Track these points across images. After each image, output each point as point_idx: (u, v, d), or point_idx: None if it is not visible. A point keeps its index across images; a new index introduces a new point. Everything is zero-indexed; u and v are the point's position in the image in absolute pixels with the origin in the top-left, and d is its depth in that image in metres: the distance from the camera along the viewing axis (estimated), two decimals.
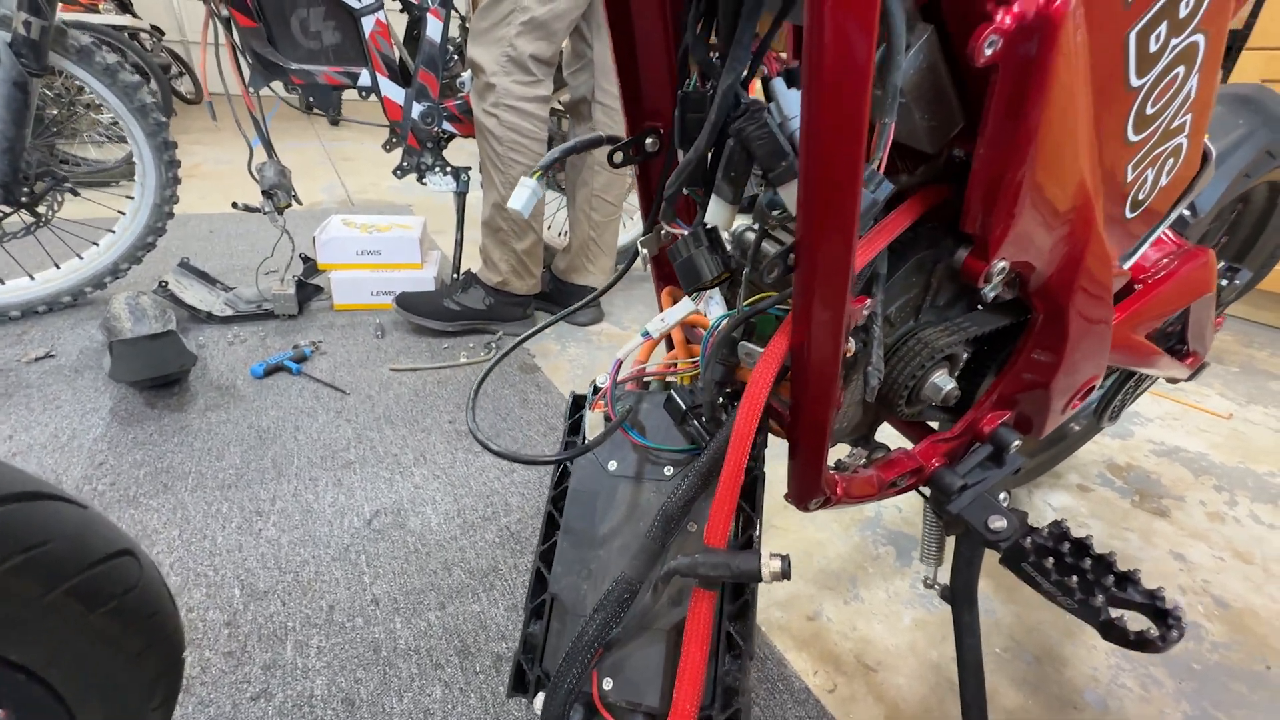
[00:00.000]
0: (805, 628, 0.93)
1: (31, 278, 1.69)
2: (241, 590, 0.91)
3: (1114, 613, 0.50)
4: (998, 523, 0.57)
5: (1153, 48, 0.39)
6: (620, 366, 0.49)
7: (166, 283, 1.69)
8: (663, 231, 0.53)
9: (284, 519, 1.05)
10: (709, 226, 0.41)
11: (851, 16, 0.25)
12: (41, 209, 1.61)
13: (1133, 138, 0.45)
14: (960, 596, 0.68)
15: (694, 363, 0.51)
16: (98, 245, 1.77)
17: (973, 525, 0.58)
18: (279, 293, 1.74)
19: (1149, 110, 0.44)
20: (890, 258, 0.48)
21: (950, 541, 0.69)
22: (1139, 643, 0.48)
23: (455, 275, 1.90)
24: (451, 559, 0.99)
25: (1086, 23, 0.34)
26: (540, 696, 0.45)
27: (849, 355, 0.45)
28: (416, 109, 1.71)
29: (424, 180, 1.83)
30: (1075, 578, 0.51)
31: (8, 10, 1.32)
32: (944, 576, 0.72)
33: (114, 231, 1.77)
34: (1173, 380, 0.97)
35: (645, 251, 0.51)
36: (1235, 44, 1.96)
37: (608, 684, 0.42)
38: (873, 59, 0.26)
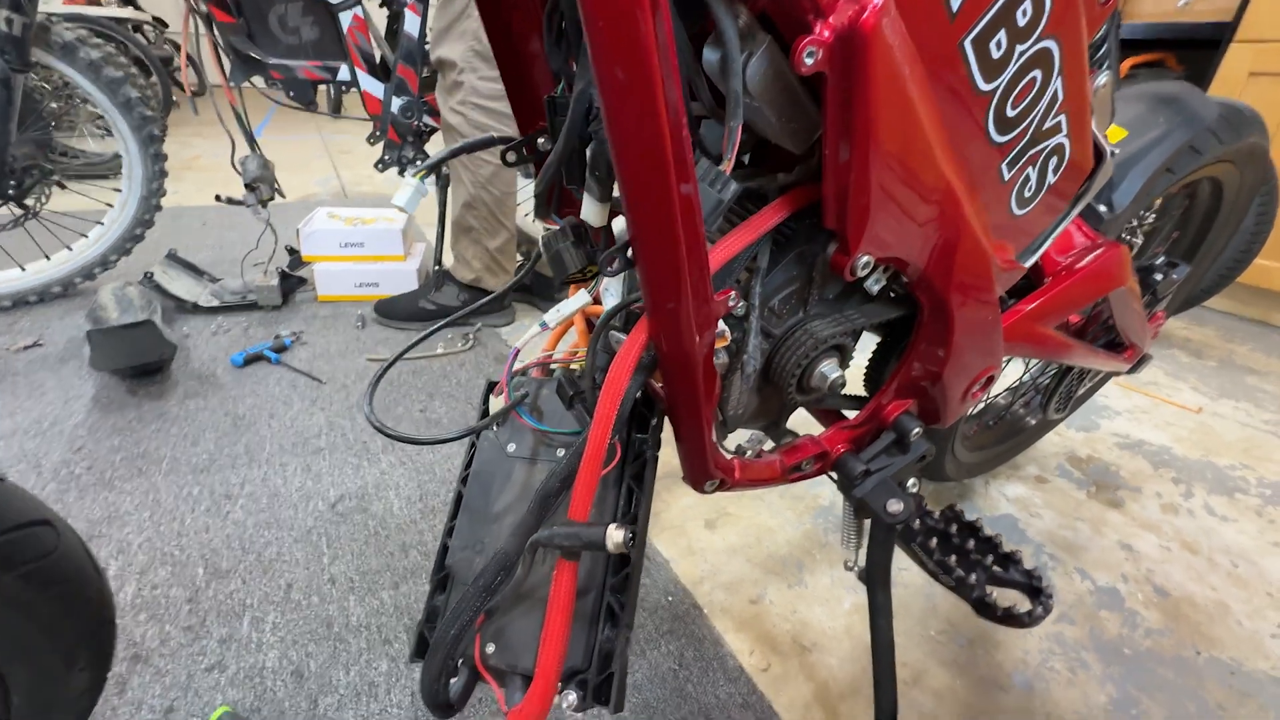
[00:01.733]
0: (747, 610, 0.96)
1: (22, 269, 1.74)
2: (205, 569, 0.95)
3: (987, 591, 0.52)
4: (895, 505, 0.59)
5: (995, 55, 0.41)
6: (517, 355, 0.52)
7: (152, 274, 1.73)
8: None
9: (251, 502, 1.09)
10: (577, 223, 0.43)
11: (620, 28, 0.27)
12: (30, 201, 1.65)
13: (998, 138, 0.47)
14: (874, 578, 0.71)
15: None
16: (86, 237, 1.81)
17: (873, 508, 0.61)
18: (262, 284, 1.78)
19: (1009, 113, 0.46)
20: (773, 251, 0.50)
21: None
22: (1006, 618, 0.51)
23: (437, 267, 1.93)
24: (409, 541, 1.03)
25: (910, 32, 0.36)
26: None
27: (727, 345, 0.48)
28: (396, 103, 1.74)
29: (404, 175, 1.86)
30: (955, 557, 0.54)
31: None
32: (863, 562, 0.75)
33: (102, 224, 1.81)
34: (1114, 373, 0.99)
35: (541, 252, 0.53)
36: (1223, 36, 1.95)
37: (490, 648, 0.45)
38: (654, 63, 0.29)
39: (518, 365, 0.54)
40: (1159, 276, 0.89)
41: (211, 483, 1.13)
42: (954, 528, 0.57)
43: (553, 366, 0.55)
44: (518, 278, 0.64)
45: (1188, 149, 0.77)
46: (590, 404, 0.47)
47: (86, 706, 0.54)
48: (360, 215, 2.03)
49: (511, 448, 0.52)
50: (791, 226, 0.50)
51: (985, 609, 0.52)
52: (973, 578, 0.52)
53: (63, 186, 1.69)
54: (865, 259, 0.46)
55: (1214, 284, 1.45)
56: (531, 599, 0.46)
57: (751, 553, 1.06)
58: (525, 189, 2.08)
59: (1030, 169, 0.52)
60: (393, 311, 1.78)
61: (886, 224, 0.44)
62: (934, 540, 0.55)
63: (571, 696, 0.44)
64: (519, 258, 1.95)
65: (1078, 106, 0.50)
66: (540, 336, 0.56)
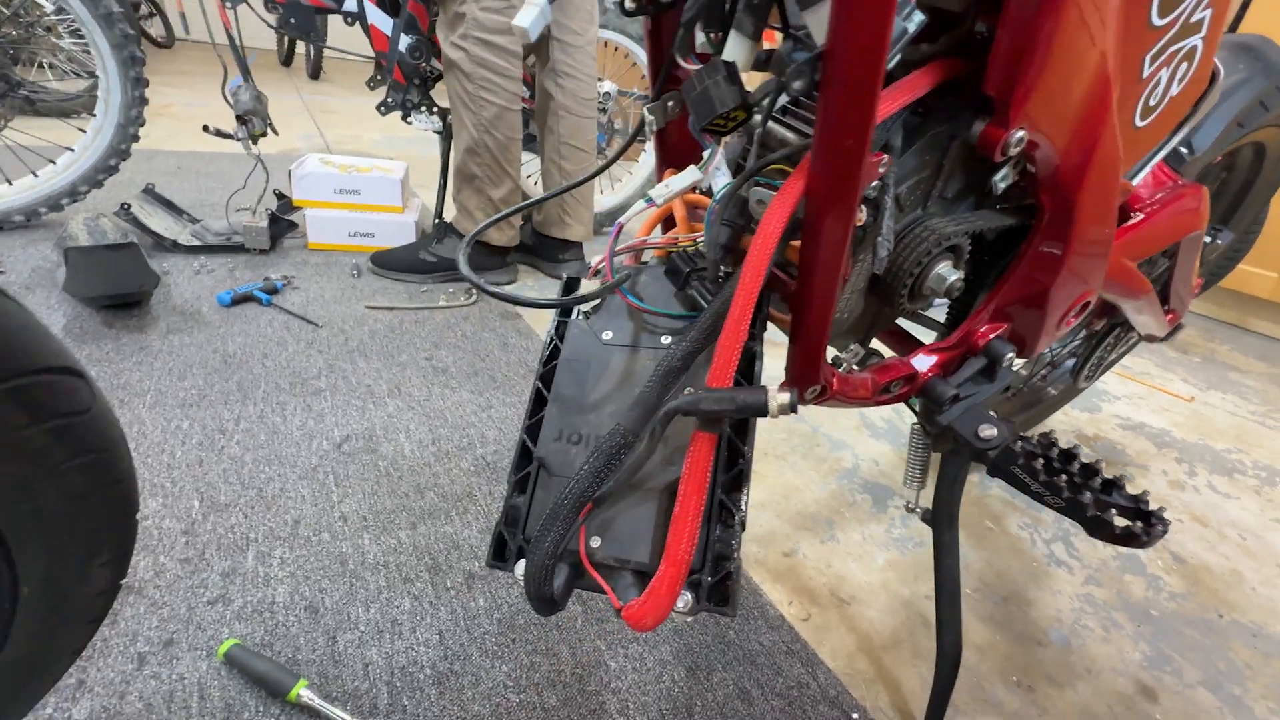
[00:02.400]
0: (781, 563, 0.92)
1: None
2: (201, 502, 0.87)
3: (1101, 510, 0.50)
4: (988, 431, 0.57)
5: None
6: (621, 231, 0.47)
7: (130, 205, 1.60)
8: (669, 104, 0.51)
9: (248, 438, 1.01)
10: (728, 61, 0.39)
11: None
12: None
13: (1157, 21, 0.45)
14: (942, 517, 0.68)
15: (694, 238, 0.49)
16: (54, 164, 1.67)
17: (962, 435, 0.58)
18: (250, 225, 1.67)
19: None
20: (904, 135, 0.46)
21: (932, 472, 0.69)
22: (1125, 536, 0.49)
23: (437, 221, 1.85)
24: (424, 483, 0.96)
25: None
26: (522, 563, 0.43)
27: (859, 225, 0.44)
28: (404, 41, 1.65)
29: (408, 119, 1.77)
30: (1065, 478, 0.51)
31: None
32: (926, 504, 0.72)
33: (73, 150, 1.67)
34: (1150, 339, 0.99)
35: (652, 119, 0.48)
36: None
37: (595, 542, 0.41)
38: None
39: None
40: (1208, 239, 0.89)
41: (203, 418, 1.04)
42: (1054, 452, 0.54)
43: (645, 253, 0.50)
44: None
45: (1258, 104, 0.77)
46: (711, 280, 0.43)
47: (99, 613, 0.47)
48: (355, 163, 1.93)
49: (608, 335, 0.47)
50: (923, 109, 0.47)
51: (1101, 527, 0.49)
52: (1085, 497, 0.50)
53: (32, 104, 1.55)
54: (1020, 134, 0.42)
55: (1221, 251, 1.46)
56: (641, 489, 0.41)
57: (780, 509, 1.03)
58: (530, 163, 2.00)
59: (1164, 71, 0.50)
60: (391, 262, 1.69)
61: (1052, 93, 0.41)
62: (1039, 463, 0.53)
63: (688, 596, 0.39)
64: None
65: (1222, 2, 0.48)
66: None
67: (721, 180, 0.48)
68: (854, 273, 0.47)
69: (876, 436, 1.28)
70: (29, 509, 0.36)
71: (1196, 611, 0.95)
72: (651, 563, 0.39)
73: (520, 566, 0.43)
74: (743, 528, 0.42)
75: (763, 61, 0.42)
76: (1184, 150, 0.71)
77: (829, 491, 1.09)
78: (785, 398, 0.36)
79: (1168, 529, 0.49)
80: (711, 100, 0.38)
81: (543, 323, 1.57)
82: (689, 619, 0.76)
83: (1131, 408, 1.57)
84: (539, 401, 0.49)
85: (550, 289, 1.80)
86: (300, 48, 5.53)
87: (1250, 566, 1.05)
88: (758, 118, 0.42)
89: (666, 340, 0.46)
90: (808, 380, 0.49)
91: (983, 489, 1.14)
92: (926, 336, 0.68)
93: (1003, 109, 0.41)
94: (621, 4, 0.44)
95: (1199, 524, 1.15)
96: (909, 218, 0.50)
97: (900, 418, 1.36)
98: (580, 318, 0.49)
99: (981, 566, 0.97)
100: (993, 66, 0.40)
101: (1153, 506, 0.51)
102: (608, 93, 2.04)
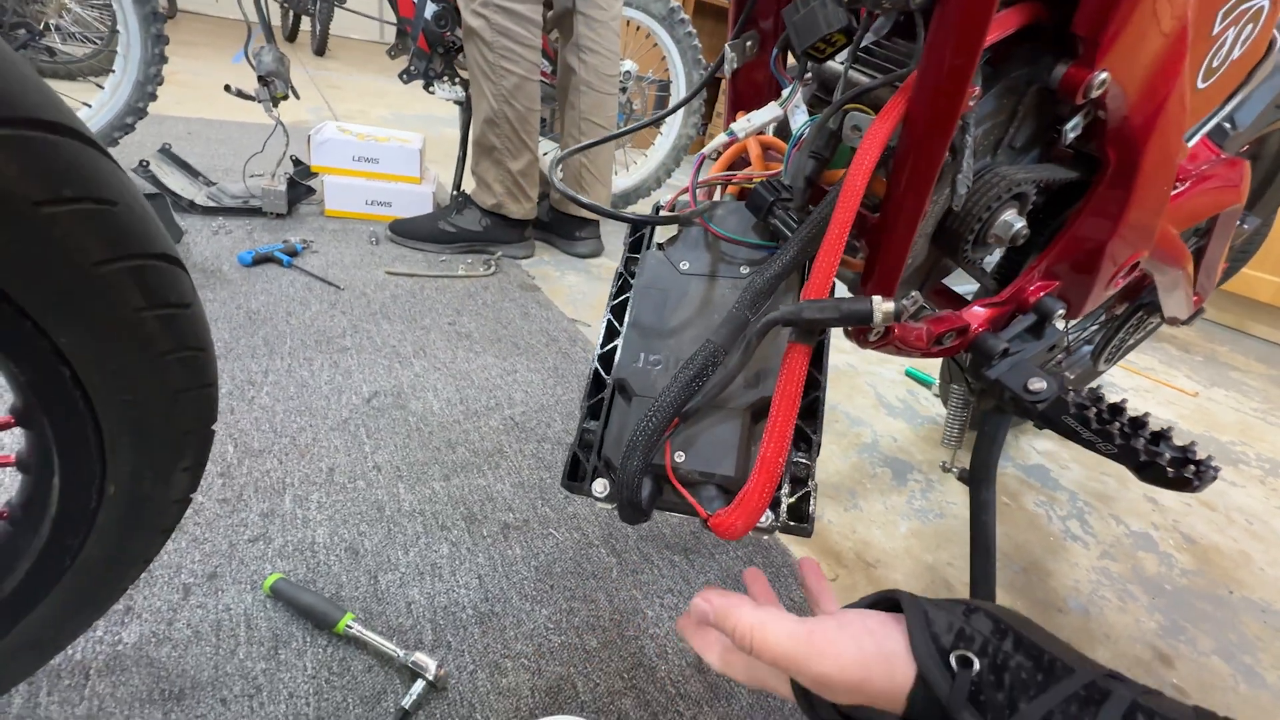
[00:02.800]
0: None
1: None
2: (235, 447, 0.87)
3: (1153, 453, 0.51)
4: (1037, 384, 0.58)
5: None
6: (703, 163, 0.48)
7: (148, 163, 1.59)
8: (748, 44, 0.52)
9: (278, 390, 1.01)
10: None
11: None
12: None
13: None
14: (980, 474, 0.70)
15: (771, 175, 0.50)
16: None
17: (1010, 389, 0.59)
18: (269, 188, 1.66)
19: None
20: (983, 79, 0.47)
21: (968, 437, 0.71)
22: (1177, 480, 0.50)
23: (455, 193, 1.84)
24: (455, 439, 0.97)
25: None
26: (600, 481, 0.43)
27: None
28: (430, 8, 1.64)
29: (430, 88, 1.76)
30: (1117, 426, 0.53)
31: None
32: (962, 464, 0.73)
33: (89, 106, 1.65)
34: (1173, 322, 1.00)
35: (733, 56, 0.49)
36: None
37: (679, 457, 0.41)
38: None
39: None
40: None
41: (231, 369, 1.04)
42: (1103, 405, 0.55)
43: (730, 184, 0.51)
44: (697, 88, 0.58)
45: None
46: (797, 209, 0.43)
47: (172, 522, 0.47)
48: (373, 133, 1.92)
49: (685, 265, 0.48)
50: (998, 55, 0.48)
51: (1153, 470, 0.51)
52: (1137, 443, 0.51)
53: (52, 54, 1.53)
54: (1104, 76, 0.43)
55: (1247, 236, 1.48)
56: (725, 408, 0.42)
57: None
58: (548, 150, 1.99)
59: (1232, 30, 0.51)
60: (411, 231, 1.69)
61: (1140, 37, 0.42)
62: (1091, 411, 0.54)
63: (769, 513, 0.40)
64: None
65: None
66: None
67: (800, 117, 0.48)
68: (933, 207, 0.48)
69: (893, 415, 1.29)
70: (129, 400, 0.37)
71: (1207, 587, 0.97)
72: (737, 476, 0.40)
73: (599, 485, 0.43)
74: (818, 451, 0.43)
75: None
76: (1227, 125, 0.73)
77: (850, 464, 1.11)
78: (890, 306, 0.37)
79: (1218, 474, 0.50)
80: (818, 21, 0.38)
81: (560, 297, 1.57)
82: (766, 536, 0.77)
83: (1138, 400, 1.60)
84: (610, 334, 0.49)
85: (567, 265, 1.80)
86: (305, 24, 5.48)
87: (1258, 549, 1.08)
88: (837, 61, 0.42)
89: (745, 270, 0.46)
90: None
91: (1000, 467, 1.16)
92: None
93: (1089, 49, 0.42)
94: None
95: (1207, 509, 1.17)
96: (979, 164, 0.51)
97: (915, 398, 1.37)
98: (655, 249, 0.50)
99: (1000, 540, 0.99)
100: (1085, 4, 0.41)
101: (1200, 456, 0.52)
102: (628, 72, 2.04)
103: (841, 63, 0.45)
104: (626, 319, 0.48)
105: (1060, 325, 0.62)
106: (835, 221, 0.37)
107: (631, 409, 0.44)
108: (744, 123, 0.48)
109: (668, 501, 0.43)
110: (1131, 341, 1.12)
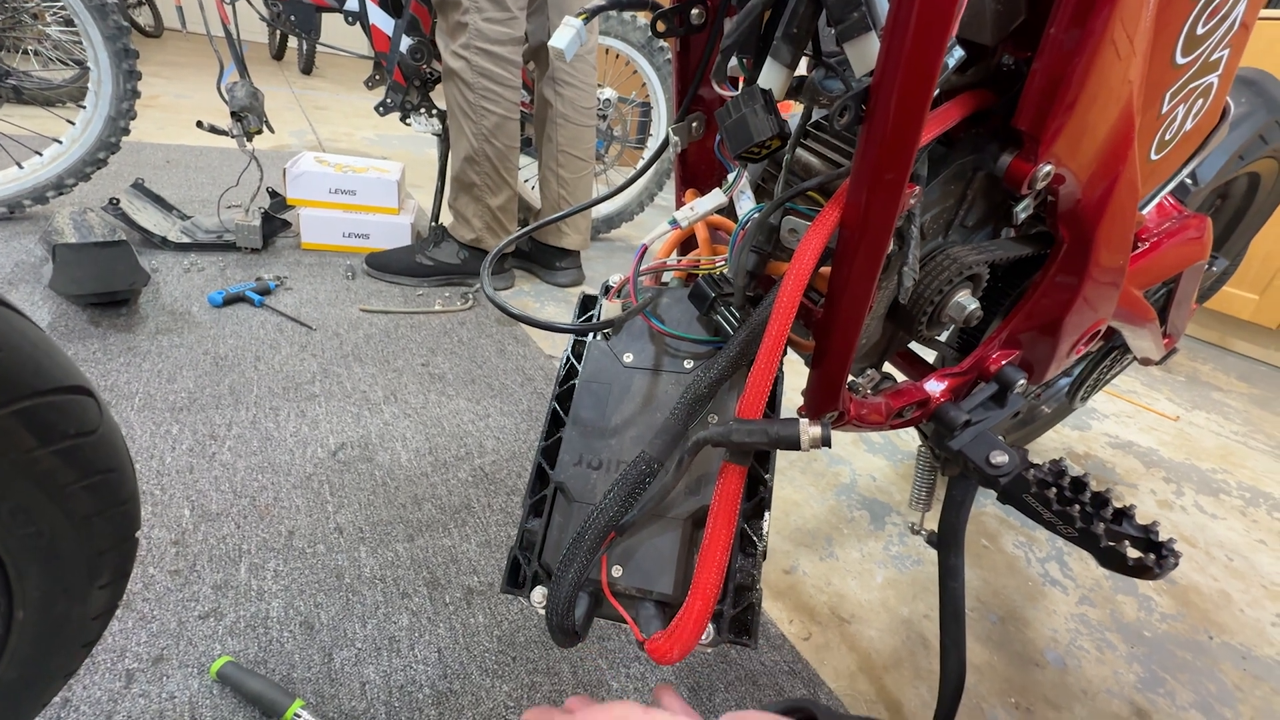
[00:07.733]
0: (782, 580, 0.92)
1: None
2: (191, 511, 0.85)
3: (1114, 542, 0.50)
4: (999, 458, 0.57)
5: None
6: (645, 252, 0.47)
7: (118, 200, 1.57)
8: (693, 125, 0.51)
9: (240, 444, 0.98)
10: (764, 89, 0.38)
11: None
12: None
13: (1180, 59, 0.45)
14: (947, 539, 0.68)
15: (717, 260, 0.49)
16: (40, 155, 1.63)
17: (973, 461, 0.58)
18: (243, 223, 1.64)
19: (1199, 30, 0.44)
20: (930, 165, 0.46)
21: (938, 495, 0.70)
22: (1137, 569, 0.49)
23: (434, 224, 1.83)
24: (422, 494, 0.95)
25: None
26: (539, 589, 0.42)
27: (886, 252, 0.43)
28: (405, 42, 1.63)
29: (407, 120, 1.75)
30: (1077, 508, 0.51)
31: None
32: (930, 526, 0.72)
33: (60, 142, 1.63)
34: (1145, 362, 1.00)
35: (677, 140, 0.48)
36: None
37: (617, 571, 0.40)
38: None
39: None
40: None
41: (193, 422, 1.02)
42: (1065, 481, 0.54)
43: (665, 275, 0.50)
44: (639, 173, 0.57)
45: (1258, 138, 0.78)
46: (738, 305, 0.42)
47: (94, 636, 0.45)
48: (351, 163, 1.90)
49: (629, 358, 0.46)
50: (948, 140, 0.47)
51: (1113, 558, 0.50)
52: (1097, 527, 0.50)
53: (18, 93, 1.51)
54: (1047, 168, 0.42)
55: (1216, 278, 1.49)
56: (664, 518, 0.41)
57: (779, 525, 1.03)
58: (528, 167, 1.98)
59: (1182, 107, 0.51)
60: (387, 265, 1.67)
61: (1081, 130, 0.41)
62: (1051, 491, 0.53)
63: (710, 628, 0.39)
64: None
65: (1239, 42, 0.49)
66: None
67: (746, 204, 0.47)
68: (879, 297, 0.47)
69: (873, 451, 1.28)
70: (31, 533, 0.35)
71: (1187, 633, 0.96)
72: (675, 593, 0.39)
73: (537, 593, 0.42)
74: (764, 557, 0.42)
75: (794, 89, 0.41)
76: (1189, 181, 0.72)
77: (827, 507, 1.09)
78: (817, 431, 0.36)
79: (1178, 561, 0.49)
80: (749, 128, 0.37)
81: (540, 331, 1.56)
82: (709, 650, 0.75)
83: (1120, 426, 1.59)
84: (555, 423, 0.48)
85: (547, 296, 1.79)
86: (292, 42, 5.47)
87: (1238, 588, 1.07)
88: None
89: (689, 365, 0.45)
90: (827, 406, 0.49)
91: (978, 506, 1.15)
92: (927, 362, 0.69)
93: (1032, 143, 0.42)
94: (652, 26, 0.43)
95: (1188, 544, 1.16)
96: (930, 245, 0.50)
97: (895, 433, 1.36)
98: (600, 339, 0.48)
99: (979, 584, 0.98)
100: (1025, 101, 0.40)
101: (1163, 537, 0.51)
102: (608, 99, 2.04)
103: (784, 152, 0.44)
104: (570, 413, 0.46)
105: (1022, 395, 0.61)
106: (770, 334, 0.36)
107: (572, 513, 0.43)
108: (687, 211, 0.47)
109: (609, 613, 0.41)
110: (1107, 378, 1.12)
